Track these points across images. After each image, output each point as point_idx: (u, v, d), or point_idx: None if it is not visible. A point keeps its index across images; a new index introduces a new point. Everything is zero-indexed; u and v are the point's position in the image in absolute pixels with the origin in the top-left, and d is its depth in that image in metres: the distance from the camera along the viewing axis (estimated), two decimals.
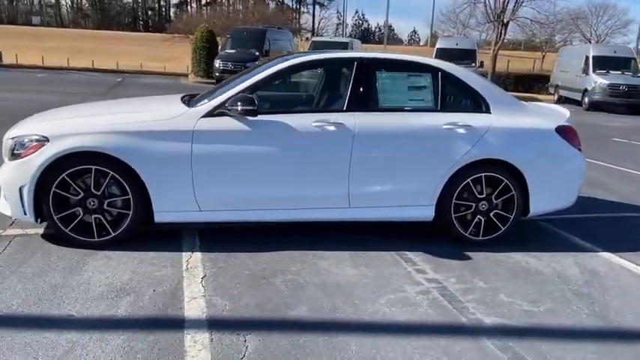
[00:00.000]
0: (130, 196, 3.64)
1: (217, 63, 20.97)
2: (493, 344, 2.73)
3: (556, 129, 4.18)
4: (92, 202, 3.62)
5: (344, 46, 21.51)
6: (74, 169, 3.54)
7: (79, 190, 3.59)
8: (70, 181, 3.55)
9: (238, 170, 3.74)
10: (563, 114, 4.47)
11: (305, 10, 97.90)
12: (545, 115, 4.38)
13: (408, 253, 3.92)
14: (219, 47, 22.94)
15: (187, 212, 3.78)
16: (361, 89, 3.97)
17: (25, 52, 29.50)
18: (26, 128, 3.73)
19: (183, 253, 3.66)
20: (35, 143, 3.54)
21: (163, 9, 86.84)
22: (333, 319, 2.90)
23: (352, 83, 3.97)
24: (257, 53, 21.06)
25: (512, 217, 4.16)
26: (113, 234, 3.68)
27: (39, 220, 3.62)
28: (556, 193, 4.29)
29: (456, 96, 4.26)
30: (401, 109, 4.03)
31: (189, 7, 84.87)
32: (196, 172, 3.67)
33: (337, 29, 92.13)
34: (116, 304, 2.92)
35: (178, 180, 3.67)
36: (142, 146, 3.59)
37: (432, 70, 4.15)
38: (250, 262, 3.57)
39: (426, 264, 3.73)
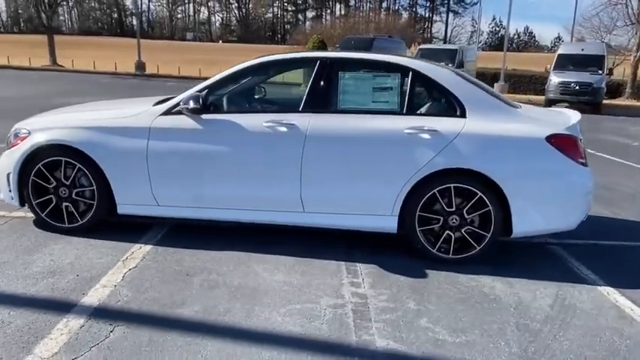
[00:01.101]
0: (95, 188, 3.90)
1: None
2: None
3: (547, 138, 3.60)
4: (64, 191, 3.95)
5: (452, 54, 20.62)
6: (47, 160, 3.89)
7: (53, 180, 3.94)
8: (45, 171, 3.92)
9: (191, 168, 3.81)
10: (564, 121, 3.83)
11: (438, 19, 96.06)
12: (539, 121, 3.78)
13: (359, 264, 3.67)
14: None
15: (146, 206, 3.94)
16: (320, 89, 3.82)
17: (168, 63, 33.07)
18: (24, 122, 4.20)
19: (137, 245, 3.83)
20: (22, 135, 3.98)
21: (300, 22, 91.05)
22: (215, 322, 2.82)
23: (311, 83, 3.83)
24: None
25: (488, 236, 3.67)
26: (80, 222, 3.98)
27: (24, 204, 4.04)
28: (547, 212, 3.69)
29: (427, 98, 3.90)
30: (361, 111, 3.78)
31: (323, 19, 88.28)
32: (152, 168, 3.82)
33: (471, 37, 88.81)
34: (35, 283, 3.16)
35: (137, 174, 3.85)
36: (103, 141, 3.83)
37: (402, 70, 3.84)
38: (188, 259, 3.62)
39: (368, 277, 3.46)
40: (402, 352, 2.61)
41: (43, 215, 3.99)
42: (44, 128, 3.95)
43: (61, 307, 2.90)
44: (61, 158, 3.88)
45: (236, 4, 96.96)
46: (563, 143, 3.62)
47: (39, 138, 3.88)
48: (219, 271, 3.46)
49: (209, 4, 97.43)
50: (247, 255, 3.73)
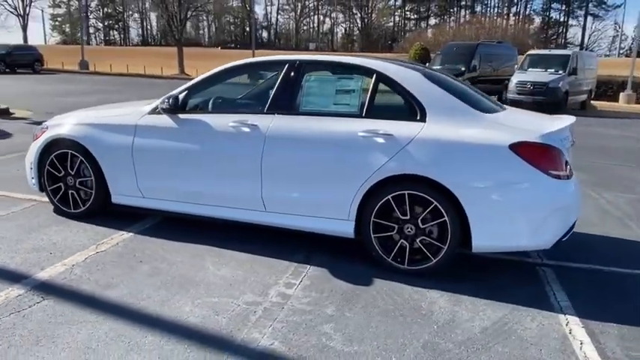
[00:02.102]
0: (93, 178, 4.35)
1: None
2: None
3: (510, 146, 3.28)
4: (70, 180, 4.46)
5: (563, 60, 18.96)
6: (58, 152, 4.42)
7: (62, 170, 4.47)
8: (57, 162, 4.45)
9: (168, 164, 4.08)
10: (541, 129, 3.44)
11: (575, 23, 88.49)
12: (509, 128, 3.43)
13: (310, 267, 3.65)
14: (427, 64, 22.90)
15: (134, 197, 4.30)
16: (285, 91, 3.87)
17: None
18: (51, 119, 4.81)
19: (120, 232, 4.19)
20: (42, 130, 4.57)
21: (420, 30, 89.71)
22: (127, 305, 3.01)
23: (278, 85, 3.90)
24: (462, 69, 20.34)
25: (445, 248, 3.44)
26: (82, 208, 4.46)
27: (42, 190, 4.62)
28: (511, 227, 3.35)
29: (389, 101, 3.74)
30: (321, 114, 3.75)
31: (447, 26, 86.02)
32: (137, 162, 4.17)
33: (613, 42, 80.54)
34: (14, 256, 3.62)
35: (125, 167, 4.22)
36: (100, 136, 4.27)
37: (365, 72, 3.75)
38: (152, 248, 3.88)
39: (308, 280, 3.43)
40: (278, 353, 2.58)
41: (55, 200, 4.54)
42: (57, 124, 4.50)
43: (16, 277, 3.30)
44: (67, 151, 4.39)
45: (359, 15, 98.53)
46: (531, 152, 3.27)
47: (52, 132, 4.43)
48: (172, 261, 3.67)
49: (332, 15, 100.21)
50: (208, 249, 3.89)
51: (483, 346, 2.73)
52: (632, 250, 4.36)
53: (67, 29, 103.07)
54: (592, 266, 3.90)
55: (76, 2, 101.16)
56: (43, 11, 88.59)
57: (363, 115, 3.64)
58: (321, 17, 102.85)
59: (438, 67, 21.01)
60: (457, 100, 3.57)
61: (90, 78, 29.32)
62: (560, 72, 18.45)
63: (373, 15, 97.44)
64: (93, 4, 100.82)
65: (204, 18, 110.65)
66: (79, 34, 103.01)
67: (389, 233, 3.56)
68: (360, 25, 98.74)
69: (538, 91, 17.66)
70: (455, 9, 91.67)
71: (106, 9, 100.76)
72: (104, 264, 3.56)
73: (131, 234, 4.16)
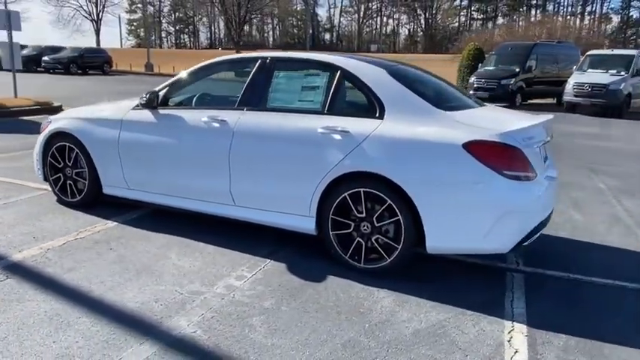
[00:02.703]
0: (86, 169, 4.61)
1: (472, 80, 20.43)
2: (136, 349, 2.56)
3: (464, 145, 3.16)
4: (68, 171, 4.75)
5: (627, 60, 17.75)
6: (58, 144, 4.73)
7: (62, 161, 4.77)
8: (57, 154, 4.76)
9: (147, 156, 4.25)
10: (502, 127, 3.28)
11: None
12: (467, 126, 3.29)
13: (270, 262, 3.68)
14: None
15: (121, 189, 4.51)
16: (254, 88, 3.93)
17: None
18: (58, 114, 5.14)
19: (106, 221, 4.41)
20: (47, 124, 4.90)
21: (486, 29, 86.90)
22: (78, 288, 3.16)
23: (248, 82, 3.97)
24: (517, 70, 19.56)
25: (399, 248, 3.37)
26: (78, 198, 4.73)
27: (46, 180, 4.95)
28: (464, 228, 3.23)
29: (351, 97, 3.70)
30: (287, 110, 3.77)
31: (517, 26, 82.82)
32: (122, 155, 4.38)
33: None
34: (3, 238, 3.92)
35: (113, 160, 4.44)
36: (92, 130, 4.52)
37: (331, 69, 3.73)
38: (127, 237, 4.06)
39: (262, 274, 3.47)
40: (193, 340, 2.64)
41: (55, 190, 4.85)
42: (59, 118, 4.81)
43: None
44: (65, 143, 4.67)
45: (423, 16, 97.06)
46: (484, 151, 3.13)
47: (53, 126, 4.74)
48: (140, 249, 3.82)
49: (394, 16, 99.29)
50: (180, 240, 4.02)
51: (407, 347, 2.66)
52: (625, 260, 4.06)
53: (142, 33, 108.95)
54: (570, 275, 3.67)
55: (151, 8, 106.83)
56: (120, 16, 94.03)
57: (325, 111, 3.64)
58: (384, 19, 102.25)
59: (492, 68, 20.37)
60: (417, 98, 3.48)
61: (152, 79, 30.74)
62: (623, 73, 17.33)
63: (438, 16, 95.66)
64: (165, 9, 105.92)
65: (270, 21, 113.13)
66: (152, 38, 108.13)
67: (347, 231, 3.54)
68: (424, 26, 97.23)
69: (597, 93, 16.85)
70: (524, 8, 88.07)
71: (177, 13, 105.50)
72: (76, 249, 3.77)
73: (115, 223, 4.37)
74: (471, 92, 20.18)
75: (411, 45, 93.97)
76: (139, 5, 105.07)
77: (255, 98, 3.90)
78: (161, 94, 4.25)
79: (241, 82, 4.42)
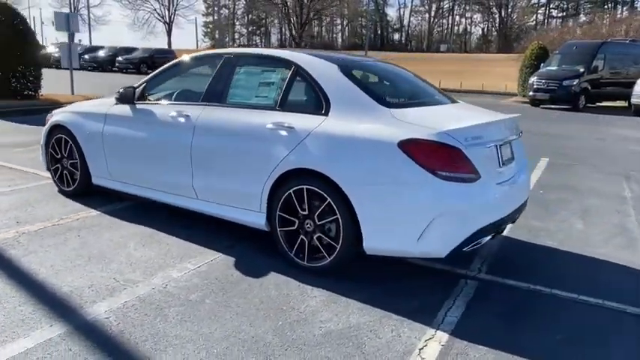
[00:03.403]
0: (78, 160, 4.88)
1: (532, 80, 19.46)
2: (45, 329, 2.68)
3: (399, 143, 3.03)
4: (65, 161, 5.04)
5: None
6: (56, 136, 5.03)
7: (59, 152, 5.06)
8: (55, 145, 5.06)
9: (125, 148, 4.43)
10: (446, 125, 3.10)
11: None
12: (409, 125, 3.13)
13: (219, 254, 3.72)
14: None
15: (106, 180, 4.72)
16: (217, 84, 3.98)
17: (422, 75, 34.43)
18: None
19: (91, 210, 4.64)
20: (50, 116, 5.22)
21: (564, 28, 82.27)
22: (25, 269, 3.35)
23: (212, 78, 4.02)
24: (581, 70, 18.40)
25: (338, 247, 3.29)
26: (72, 187, 5.01)
27: (48, 169, 5.27)
28: (399, 229, 3.10)
29: (303, 93, 3.63)
30: (244, 105, 3.79)
31: (603, 23, 77.79)
32: (106, 147, 4.59)
33: None
34: None
35: (98, 152, 4.66)
36: (82, 123, 4.77)
37: (286, 65, 3.70)
38: (101, 225, 4.25)
39: (208, 267, 3.50)
40: (104, 325, 2.70)
41: (55, 179, 5.16)
42: (59, 112, 5.11)
43: None
44: (62, 135, 4.96)
45: (498, 14, 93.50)
46: (419, 150, 2.99)
47: (53, 118, 5.05)
48: (104, 238, 3.98)
49: (467, 15, 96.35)
50: (148, 231, 4.15)
51: (309, 348, 2.59)
52: (603, 274, 3.73)
53: (217, 35, 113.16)
54: (531, 286, 3.42)
55: (226, 10, 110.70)
56: (196, 19, 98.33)
57: (277, 107, 3.62)
58: (457, 18, 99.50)
59: (554, 68, 19.28)
60: (363, 95, 3.37)
61: None
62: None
63: (514, 14, 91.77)
64: (239, 12, 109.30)
65: (339, 21, 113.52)
66: (226, 40, 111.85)
67: (292, 228, 3.50)
68: (498, 25, 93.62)
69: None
70: (610, 5, 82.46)
71: (250, 15, 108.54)
72: (48, 235, 3.99)
73: (98, 213, 4.59)
74: (530, 93, 19.25)
75: (483, 44, 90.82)
76: (215, 8, 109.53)
77: (217, 94, 3.95)
78: (139, 89, 4.40)
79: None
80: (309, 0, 33.27)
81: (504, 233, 4.46)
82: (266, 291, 3.20)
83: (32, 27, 12.75)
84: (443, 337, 2.75)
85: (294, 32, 36.42)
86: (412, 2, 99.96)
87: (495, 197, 3.22)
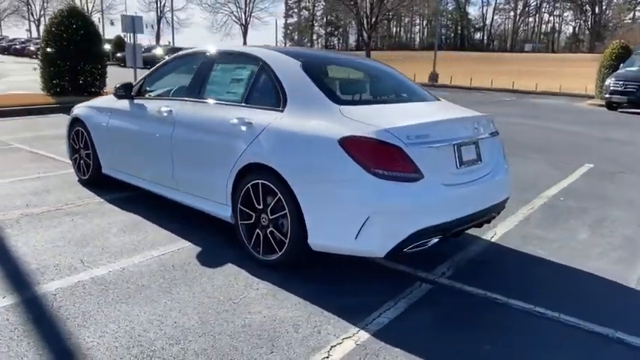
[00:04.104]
0: (91, 151, 5.26)
1: (608, 82, 18.14)
2: None
3: (340, 140, 3.01)
4: (82, 152, 5.45)
5: None
6: (75, 129, 5.45)
7: (77, 143, 5.48)
8: (74, 136, 5.49)
9: (124, 140, 4.72)
10: (387, 123, 3.02)
11: None
12: (356, 122, 3.08)
13: (188, 244, 3.87)
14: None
15: (112, 169, 5.05)
16: (197, 80, 4.14)
17: (476, 74, 33.56)
18: None
19: (97, 198, 4.98)
20: (73, 110, 5.66)
21: None
22: (9, 246, 3.68)
23: (194, 74, 4.19)
24: None
25: (287, 242, 3.32)
26: (87, 176, 5.40)
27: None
28: (339, 226, 3.07)
29: (266, 89, 3.66)
30: (216, 101, 3.91)
31: None
32: (110, 139, 4.91)
33: None
34: (3, 204, 4.68)
35: (106, 143, 5.00)
36: (93, 117, 5.13)
37: (254, 62, 3.78)
38: (98, 211, 4.56)
39: (170, 255, 3.66)
40: (46, 300, 2.92)
41: (74, 168, 5.59)
42: (79, 106, 5.52)
43: None
44: (79, 128, 5.37)
45: (591, 12, 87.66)
46: (356, 147, 2.95)
47: (73, 112, 5.48)
48: (94, 223, 4.26)
49: (555, 12, 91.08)
50: (136, 219, 4.39)
51: (223, 336, 2.65)
52: (577, 288, 3.46)
53: (296, 36, 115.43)
54: (489, 294, 3.26)
55: (306, 12, 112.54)
56: (276, 21, 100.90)
57: (243, 102, 3.71)
58: (545, 16, 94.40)
59: (635, 69, 17.84)
60: (317, 92, 3.37)
61: None
62: None
63: (608, 11, 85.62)
64: (318, 13, 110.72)
65: (419, 21, 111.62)
66: (304, 40, 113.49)
67: (250, 222, 3.57)
68: (590, 24, 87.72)
69: None
70: None
71: (328, 17, 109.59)
72: (46, 218, 4.35)
73: (101, 200, 4.92)
74: (607, 96, 17.97)
75: (573, 44, 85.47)
76: (295, 10, 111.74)
77: (196, 89, 4.11)
78: (138, 85, 4.66)
79: None
80: (379, 0, 32.91)
81: (493, 239, 4.28)
82: (213, 281, 3.29)
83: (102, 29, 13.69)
84: (363, 336, 2.70)
85: (364, 33, 36.22)
86: (496, 0, 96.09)
87: (443, 199, 3.10)
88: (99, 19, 52.53)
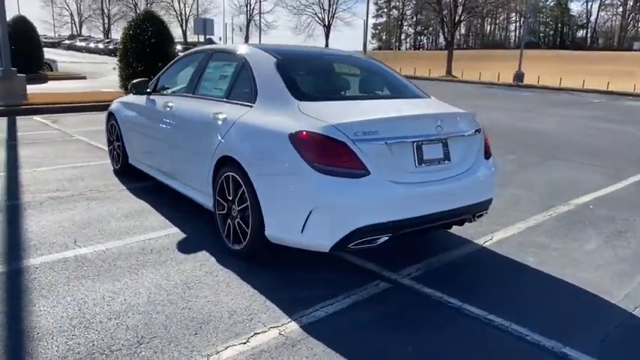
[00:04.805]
0: (120, 143, 5.71)
1: None
2: None
3: (290, 135, 3.07)
4: (115, 144, 5.92)
5: None
6: (110, 122, 5.94)
7: (112, 135, 5.96)
8: (110, 129, 5.98)
9: (142, 134, 5.09)
10: (338, 119, 3.02)
11: None
12: (308, 117, 3.11)
13: (177, 230, 4.12)
14: None
15: (134, 160, 5.46)
16: (195, 76, 4.37)
17: (568, 75, 31.55)
18: None
19: (120, 186, 5.41)
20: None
21: None
22: (21, 223, 4.15)
23: (193, 71, 4.42)
24: None
25: (249, 233, 3.44)
26: (118, 166, 5.86)
27: None
28: (288, 220, 3.13)
29: (243, 85, 3.78)
30: (206, 96, 4.12)
31: None
32: (133, 131, 5.31)
33: None
34: (37, 187, 5.24)
35: (131, 135, 5.42)
36: (122, 112, 5.58)
37: (238, 59, 3.94)
38: (113, 197, 4.95)
39: (153, 241, 3.92)
40: (28, 271, 3.27)
41: (110, 158, 6.09)
42: (114, 101, 6.01)
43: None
44: (112, 122, 5.85)
45: None
46: (302, 142, 3.00)
47: (110, 107, 5.97)
48: (105, 208, 4.63)
49: None
50: (144, 206, 4.72)
51: (146, 314, 2.82)
52: (548, 299, 3.24)
53: (384, 37, 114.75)
54: (445, 298, 3.15)
55: (395, 12, 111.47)
56: (365, 21, 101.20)
57: (225, 98, 3.88)
58: None
59: None
60: (283, 87, 3.45)
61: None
62: None
63: None
64: (408, 12, 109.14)
65: (515, 19, 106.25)
66: (392, 40, 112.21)
67: (224, 212, 3.73)
68: None
69: None
70: None
71: (418, 16, 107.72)
72: (66, 202, 4.80)
73: (122, 188, 5.33)
74: None
75: None
76: (384, 10, 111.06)
77: (192, 86, 4.35)
78: (153, 82, 5.01)
79: None
80: None
81: (486, 244, 4.11)
82: (180, 266, 3.49)
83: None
84: (291, 327, 2.75)
85: (446, 31, 35.25)
86: None
87: (392, 196, 3.04)
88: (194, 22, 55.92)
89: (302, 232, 3.04)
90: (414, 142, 3.17)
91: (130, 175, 5.69)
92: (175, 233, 4.08)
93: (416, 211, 3.15)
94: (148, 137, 4.93)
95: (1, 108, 10.48)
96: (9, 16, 13.61)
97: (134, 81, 5.08)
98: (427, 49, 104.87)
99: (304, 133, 3.02)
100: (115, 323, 2.73)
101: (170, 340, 2.59)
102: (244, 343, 2.60)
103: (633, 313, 3.06)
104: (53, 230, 4.06)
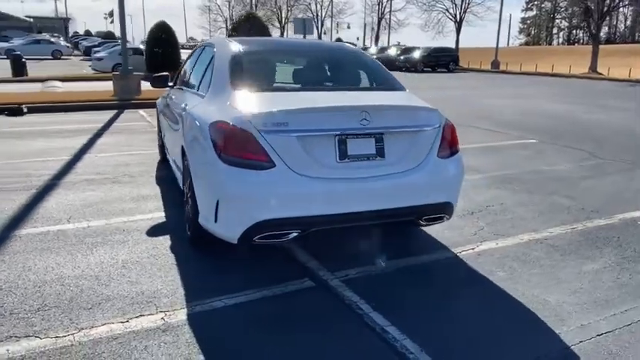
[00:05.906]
0: (160, 135, 6.19)
1: None
2: None
3: (209, 125, 3.10)
4: (159, 134, 6.42)
5: None
6: (158, 114, 6.47)
7: (158, 126, 6.48)
8: (158, 121, 6.51)
9: (163, 124, 5.48)
10: (261, 110, 2.97)
11: None
12: (233, 109, 3.09)
13: (161, 214, 4.38)
14: None
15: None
16: (189, 70, 4.61)
17: None
18: None
19: (152, 173, 5.87)
20: None
21: None
22: (46, 198, 4.72)
23: (192, 65, 4.63)
24: None
25: (190, 220, 3.56)
26: (161, 156, 6.36)
27: None
28: (206, 209, 3.16)
29: (208, 77, 3.84)
30: (190, 87, 4.30)
31: None
32: (162, 122, 5.74)
33: None
34: (73, 172, 5.91)
35: (161, 127, 5.86)
36: (159, 104, 6.04)
37: (212, 53, 4.05)
38: (137, 182, 5.40)
39: (135, 224, 4.22)
40: (15, 239, 3.74)
41: (158, 148, 6.63)
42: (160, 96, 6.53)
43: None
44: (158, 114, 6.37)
45: None
46: (216, 133, 3.03)
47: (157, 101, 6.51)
48: (123, 191, 5.06)
49: None
50: (155, 193, 5.07)
51: (74, 288, 3.06)
52: (480, 322, 2.83)
53: (533, 31, 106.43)
54: (360, 303, 2.94)
55: (548, 4, 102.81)
56: (510, 15, 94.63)
57: (197, 89, 4.02)
58: None
59: None
60: (226, 80, 3.47)
61: (489, 76, 30.85)
62: None
63: None
64: (563, 4, 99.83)
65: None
66: (542, 34, 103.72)
67: (184, 199, 3.87)
68: None
69: None
70: None
71: (574, 7, 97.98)
72: (98, 183, 5.33)
73: (152, 175, 5.76)
74: None
75: None
76: (535, 3, 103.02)
77: (186, 79, 4.58)
78: (177, 75, 5.34)
79: None
80: None
81: (462, 253, 3.73)
82: (135, 247, 3.69)
83: None
84: (179, 314, 2.79)
85: (591, 24, 31.54)
86: None
87: (302, 191, 2.90)
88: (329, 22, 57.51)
89: (216, 221, 3.06)
90: (336, 135, 2.99)
91: (168, 163, 6.12)
92: (158, 217, 4.33)
93: (334, 208, 2.98)
94: (162, 129, 5.29)
95: (116, 102, 11.92)
96: (173, 22, 15.65)
97: (154, 75, 5.46)
98: (584, 44, 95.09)
99: (219, 123, 3.03)
100: (35, 291, 3.02)
101: (64, 311, 2.80)
102: (122, 322, 2.70)
103: (570, 346, 2.55)
104: (61, 208, 4.56)
